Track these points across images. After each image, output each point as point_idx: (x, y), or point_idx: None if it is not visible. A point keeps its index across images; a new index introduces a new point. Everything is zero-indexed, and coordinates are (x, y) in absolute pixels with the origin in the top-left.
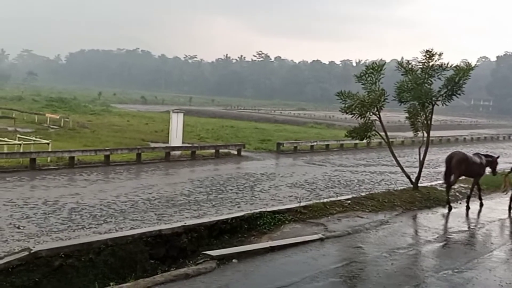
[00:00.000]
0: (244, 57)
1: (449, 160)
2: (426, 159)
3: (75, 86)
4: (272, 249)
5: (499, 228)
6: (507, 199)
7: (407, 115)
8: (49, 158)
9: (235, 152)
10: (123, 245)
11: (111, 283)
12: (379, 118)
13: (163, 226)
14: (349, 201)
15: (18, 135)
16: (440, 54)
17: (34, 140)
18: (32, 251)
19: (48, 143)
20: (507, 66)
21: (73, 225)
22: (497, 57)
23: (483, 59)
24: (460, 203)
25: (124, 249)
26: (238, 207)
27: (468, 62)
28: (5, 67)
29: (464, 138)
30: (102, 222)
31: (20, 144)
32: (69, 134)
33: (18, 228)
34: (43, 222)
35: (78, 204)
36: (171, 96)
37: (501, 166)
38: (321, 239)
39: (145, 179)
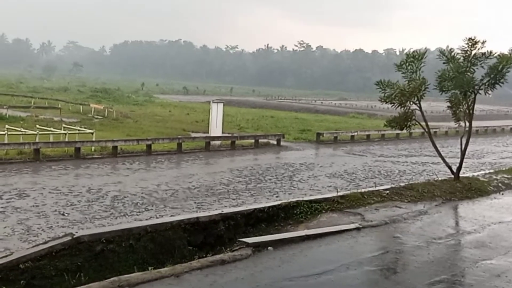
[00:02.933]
0: (286, 47)
1: None
2: (470, 149)
3: (119, 77)
4: (307, 238)
5: None
6: None
7: (448, 104)
8: (93, 147)
9: (275, 142)
10: (162, 232)
11: (150, 268)
12: (420, 107)
13: (201, 214)
14: (388, 191)
15: (64, 125)
16: (483, 42)
17: (79, 130)
18: (75, 236)
19: (92, 133)
20: None
21: (116, 213)
22: None
23: None
24: (502, 194)
25: (163, 235)
26: (277, 196)
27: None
28: (51, 59)
29: (511, 129)
30: (143, 210)
31: (65, 134)
32: (112, 124)
33: (63, 214)
34: (86, 209)
35: (120, 192)
36: (212, 86)
37: None
38: (357, 229)
39: (185, 168)
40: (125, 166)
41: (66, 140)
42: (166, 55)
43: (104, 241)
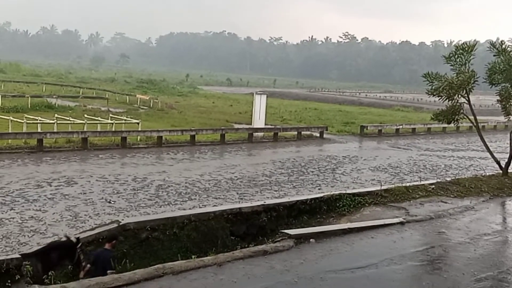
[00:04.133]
0: (330, 39)
1: None
2: None
3: (164, 68)
4: (350, 231)
5: None
6: None
7: (498, 98)
8: (138, 137)
9: (318, 135)
10: (205, 221)
11: (193, 256)
12: (468, 100)
13: (243, 204)
14: (433, 186)
15: (111, 115)
16: None
17: (125, 120)
18: (120, 224)
19: (138, 123)
20: None
21: (160, 201)
22: None
23: None
24: None
25: (206, 225)
26: (319, 189)
27: None
28: (99, 50)
29: None
30: (187, 199)
31: (112, 124)
32: (157, 114)
33: (109, 202)
34: (132, 198)
35: (164, 181)
36: (255, 78)
37: None
38: (401, 223)
39: (228, 159)
40: (169, 156)
41: (113, 129)
42: (210, 47)
43: (149, 228)
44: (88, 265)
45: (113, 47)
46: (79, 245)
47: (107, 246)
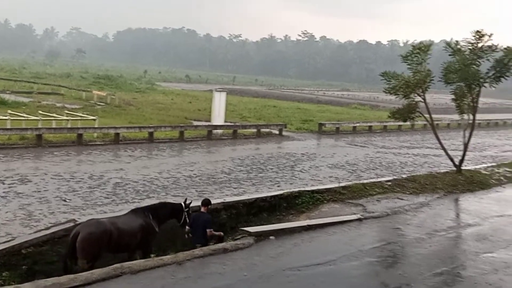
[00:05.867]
0: (289, 37)
1: None
2: (472, 142)
3: (122, 64)
4: (309, 228)
5: None
6: None
7: (453, 96)
8: (95, 134)
9: (277, 132)
10: None
11: (152, 255)
12: (424, 99)
13: None
14: (390, 183)
15: (66, 111)
16: (490, 35)
17: (81, 116)
18: (77, 223)
19: (94, 119)
20: None
21: (117, 199)
22: None
23: None
24: (504, 187)
25: (166, 223)
26: (278, 186)
27: None
28: (54, 45)
29: None
30: (145, 197)
31: (68, 120)
32: (115, 111)
33: (65, 201)
34: (88, 196)
35: (122, 179)
36: (215, 75)
37: None
38: (359, 219)
39: (187, 156)
40: (127, 153)
41: (69, 126)
42: (169, 43)
43: None
44: (187, 227)
45: (69, 42)
46: (187, 209)
47: (203, 209)
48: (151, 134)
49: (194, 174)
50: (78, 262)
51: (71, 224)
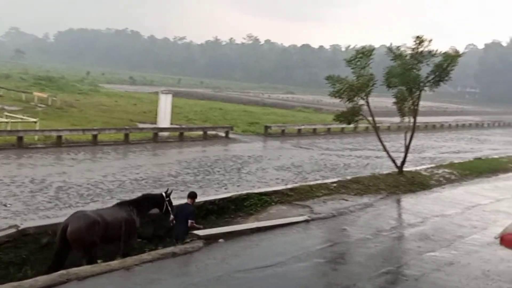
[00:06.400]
0: (234, 40)
1: None
2: (412, 144)
3: (63, 65)
4: (258, 230)
5: (480, 212)
6: (489, 185)
7: (394, 100)
8: (36, 137)
9: (223, 134)
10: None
11: (99, 261)
12: (367, 103)
13: None
14: (335, 184)
15: (5, 113)
16: (429, 41)
17: (21, 119)
18: (20, 228)
19: (35, 122)
20: (495, 54)
21: (60, 204)
22: (485, 45)
23: (471, 47)
24: (443, 188)
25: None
26: (225, 188)
27: (456, 49)
28: None
29: (449, 125)
30: (89, 201)
31: (7, 122)
32: (56, 113)
33: (5, 206)
34: (29, 200)
35: (65, 183)
36: (159, 77)
37: (486, 152)
38: (306, 221)
39: (133, 159)
40: (70, 156)
41: (8, 128)
42: (112, 44)
43: (50, 233)
44: (172, 217)
45: (8, 42)
46: (168, 198)
47: (189, 201)
48: (95, 136)
49: (140, 177)
50: (73, 254)
51: (13, 230)
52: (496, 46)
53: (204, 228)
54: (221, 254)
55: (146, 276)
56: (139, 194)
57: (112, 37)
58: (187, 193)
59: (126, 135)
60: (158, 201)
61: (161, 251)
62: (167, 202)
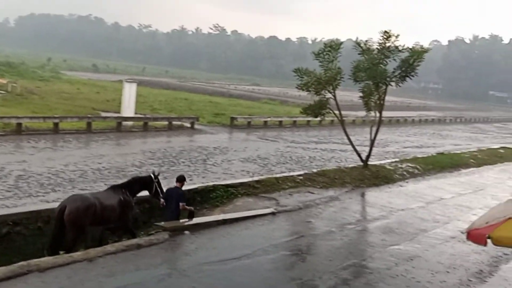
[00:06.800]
0: (201, 29)
1: None
2: (376, 138)
3: (24, 50)
4: (224, 222)
5: (443, 207)
6: (451, 180)
7: (361, 94)
8: None
9: (189, 125)
10: None
11: (61, 252)
12: (334, 96)
13: None
14: (301, 177)
15: None
16: (397, 36)
17: None
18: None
19: None
20: (458, 50)
21: (20, 193)
22: (449, 41)
23: (435, 43)
24: (407, 182)
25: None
26: (191, 180)
27: (421, 45)
28: None
29: (413, 119)
30: (50, 190)
31: None
32: (16, 100)
33: None
34: None
35: (25, 171)
36: (123, 65)
37: (448, 147)
38: (273, 213)
39: (95, 148)
40: (30, 145)
41: None
42: (75, 30)
43: (10, 223)
44: (162, 200)
45: None
46: (156, 180)
47: (177, 185)
48: (56, 124)
49: (103, 167)
50: (66, 235)
51: None
52: (460, 43)
53: (193, 209)
54: (187, 247)
55: (109, 268)
56: (103, 185)
57: (74, 23)
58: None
59: (89, 124)
60: (148, 182)
61: (126, 242)
62: (156, 183)
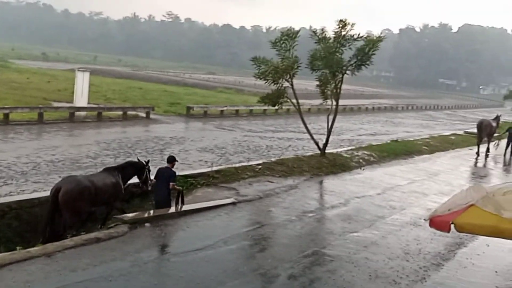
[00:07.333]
0: (154, 17)
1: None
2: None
3: None
4: (185, 213)
5: (399, 193)
6: (406, 167)
7: (317, 83)
8: None
9: (144, 115)
10: (28, 208)
11: (18, 248)
12: (292, 85)
13: None
14: (260, 166)
15: None
16: (352, 25)
17: None
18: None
19: None
20: (408, 39)
21: None
22: (400, 30)
23: (386, 31)
24: (363, 169)
25: (30, 213)
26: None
27: (377, 35)
28: None
29: (366, 107)
30: (2, 184)
31: None
32: None
33: None
34: None
35: None
36: (74, 53)
37: (400, 135)
38: (233, 203)
39: (48, 140)
40: None
41: None
42: (23, 18)
43: None
44: (153, 179)
45: None
46: (147, 166)
47: (169, 165)
48: (6, 115)
49: (56, 158)
50: (64, 217)
51: None
52: (410, 32)
53: (182, 189)
54: (148, 239)
55: (69, 263)
56: (57, 177)
57: (23, 10)
58: None
59: (40, 114)
60: (140, 168)
61: (84, 236)
62: (147, 170)
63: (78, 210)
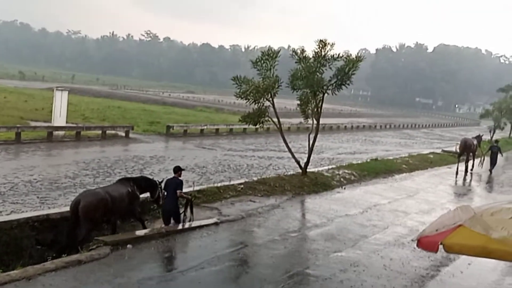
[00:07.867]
0: (132, 36)
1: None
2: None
3: None
4: (168, 234)
5: (380, 212)
6: (386, 186)
7: (298, 102)
8: None
9: (123, 134)
10: (7, 230)
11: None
12: (273, 104)
13: (51, 210)
14: (242, 186)
15: None
16: (332, 45)
17: None
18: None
19: None
20: (385, 59)
21: None
22: (376, 49)
23: (363, 51)
24: (344, 188)
25: (9, 234)
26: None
27: (357, 54)
28: None
29: (345, 126)
30: None
31: None
32: None
33: None
34: None
35: None
36: (52, 72)
37: (379, 153)
38: (216, 224)
39: (26, 160)
40: None
41: None
42: (0, 37)
43: None
44: (164, 191)
45: None
46: (160, 186)
47: (175, 175)
48: None
49: (35, 179)
50: (80, 227)
51: None
52: (387, 51)
53: (191, 198)
54: (130, 261)
55: (50, 286)
56: (35, 197)
57: None
58: None
59: (18, 134)
60: (153, 185)
61: (66, 258)
62: (159, 189)
63: (97, 220)
